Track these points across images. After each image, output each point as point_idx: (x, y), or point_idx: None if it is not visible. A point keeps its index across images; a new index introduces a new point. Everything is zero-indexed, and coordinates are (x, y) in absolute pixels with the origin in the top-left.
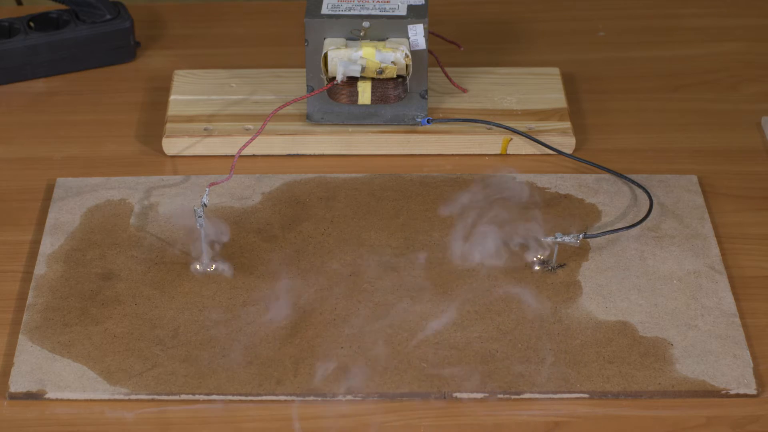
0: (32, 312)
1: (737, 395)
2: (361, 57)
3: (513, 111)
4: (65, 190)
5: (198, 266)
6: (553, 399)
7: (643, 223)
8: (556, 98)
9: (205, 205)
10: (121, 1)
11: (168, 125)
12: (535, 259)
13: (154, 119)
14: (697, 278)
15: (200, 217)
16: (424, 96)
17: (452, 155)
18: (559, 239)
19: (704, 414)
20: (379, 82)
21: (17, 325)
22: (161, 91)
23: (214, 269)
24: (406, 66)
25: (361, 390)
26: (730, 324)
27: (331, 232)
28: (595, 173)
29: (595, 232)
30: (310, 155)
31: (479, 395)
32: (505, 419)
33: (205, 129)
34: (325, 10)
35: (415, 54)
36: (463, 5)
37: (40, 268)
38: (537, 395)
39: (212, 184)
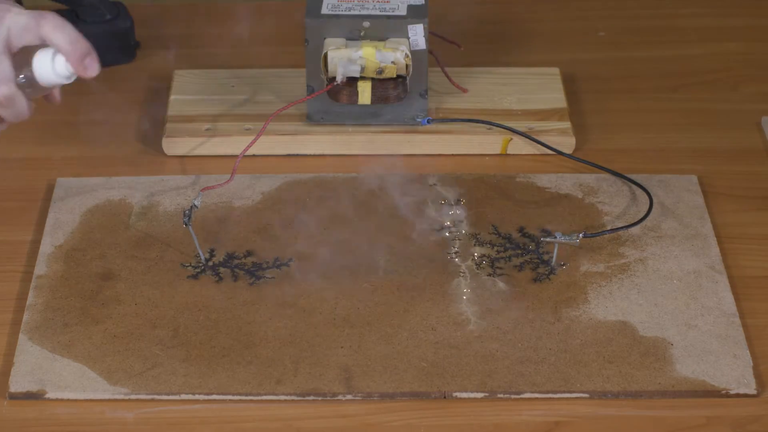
0: (32, 312)
1: (737, 395)
2: (360, 57)
3: (513, 111)
4: (65, 190)
5: (197, 266)
6: (553, 399)
7: (643, 223)
8: (556, 98)
9: (196, 206)
10: (121, 1)
11: (168, 125)
12: (534, 259)
13: (154, 119)
14: (697, 278)
15: (186, 217)
16: (424, 96)
17: (452, 155)
18: (559, 239)
19: (704, 414)
20: (379, 82)
21: (17, 325)
22: (161, 91)
23: (214, 269)
24: (406, 66)
25: (361, 390)
26: (730, 324)
27: (331, 232)
28: (595, 173)
29: (594, 232)
30: (310, 155)
31: (479, 395)
32: (505, 419)
33: (205, 129)
34: (325, 10)
35: (415, 54)
36: (463, 5)
37: (40, 268)
38: (537, 395)
39: (205, 188)
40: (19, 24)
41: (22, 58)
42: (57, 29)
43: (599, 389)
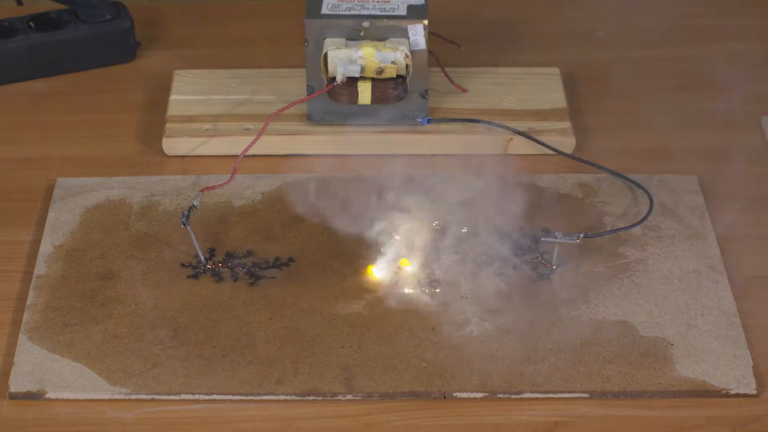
0: (32, 312)
1: (737, 395)
2: (360, 57)
3: (513, 111)
4: (65, 190)
5: (197, 266)
6: (553, 399)
7: (643, 223)
8: (556, 98)
9: (195, 207)
10: (121, 1)
11: (168, 125)
12: (535, 259)
13: (154, 119)
14: (697, 278)
15: (185, 217)
16: (424, 96)
17: (452, 155)
18: (559, 239)
19: (704, 414)
20: (379, 82)
21: (17, 325)
22: (161, 91)
23: (214, 269)
24: (406, 66)
25: (361, 390)
26: (730, 324)
27: (331, 232)
28: (595, 173)
29: (595, 232)
30: (310, 155)
31: (479, 395)
32: (505, 419)
33: (205, 129)
34: (325, 10)
35: (415, 54)
36: (463, 5)
37: (40, 268)
38: (537, 395)
39: (205, 188)
40: None
41: None
42: None
43: (599, 389)
